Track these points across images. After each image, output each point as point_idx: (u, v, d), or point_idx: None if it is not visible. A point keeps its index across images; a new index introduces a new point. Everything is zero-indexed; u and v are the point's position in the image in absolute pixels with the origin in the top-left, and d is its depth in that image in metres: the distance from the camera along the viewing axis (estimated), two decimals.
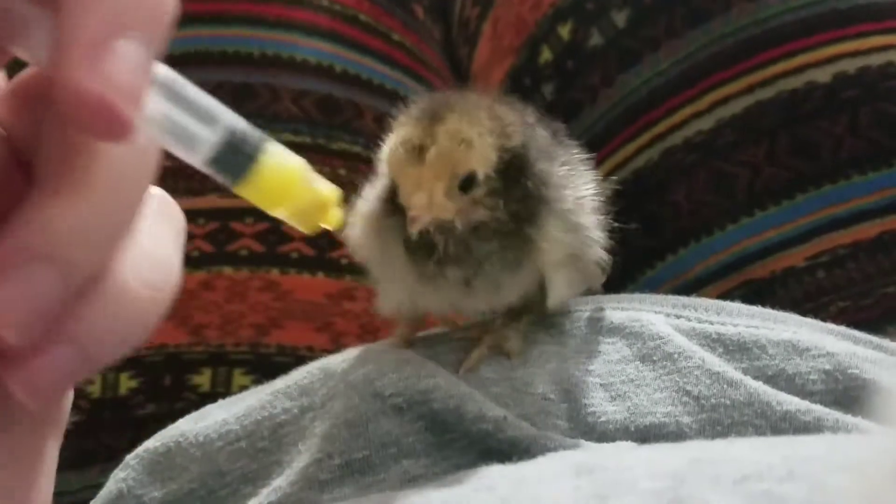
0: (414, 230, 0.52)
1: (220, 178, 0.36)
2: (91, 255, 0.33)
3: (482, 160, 0.53)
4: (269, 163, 0.37)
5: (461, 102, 0.54)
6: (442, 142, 0.52)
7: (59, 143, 0.33)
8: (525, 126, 0.55)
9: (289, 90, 0.88)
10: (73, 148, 0.33)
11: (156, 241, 0.36)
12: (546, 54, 0.87)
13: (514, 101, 0.58)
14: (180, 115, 0.35)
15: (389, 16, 0.95)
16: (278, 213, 0.38)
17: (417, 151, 0.52)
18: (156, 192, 0.38)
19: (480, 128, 0.53)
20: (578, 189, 0.56)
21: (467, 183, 0.53)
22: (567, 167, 0.56)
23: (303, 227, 0.39)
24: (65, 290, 0.32)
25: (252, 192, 0.37)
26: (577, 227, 0.55)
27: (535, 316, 0.59)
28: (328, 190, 0.39)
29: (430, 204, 0.52)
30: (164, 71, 0.35)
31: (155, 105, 0.34)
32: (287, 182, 0.37)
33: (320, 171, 0.89)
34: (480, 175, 0.53)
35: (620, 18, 0.83)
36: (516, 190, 0.54)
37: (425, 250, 0.54)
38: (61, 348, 0.33)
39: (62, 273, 0.32)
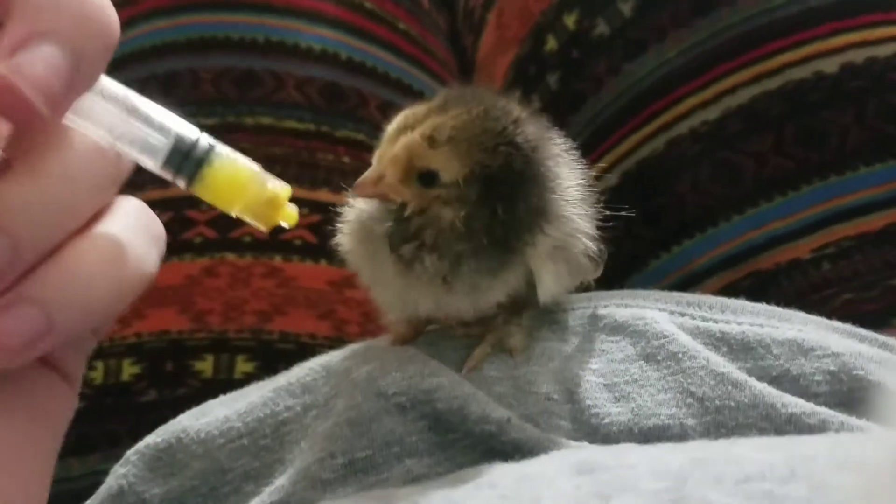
0: (351, 194, 0.54)
1: (177, 182, 0.42)
2: (40, 231, 0.38)
3: (446, 165, 0.52)
4: (219, 165, 0.42)
5: (475, 103, 0.54)
6: (417, 131, 0.53)
7: (21, 141, 0.39)
8: (535, 145, 0.54)
9: (293, 77, 0.88)
10: (32, 144, 0.38)
11: (127, 232, 0.40)
12: (551, 44, 0.86)
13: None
14: (135, 125, 0.41)
15: (395, 4, 0.94)
16: (234, 211, 0.43)
17: (405, 131, 0.53)
18: (136, 202, 0.42)
19: (464, 134, 0.52)
20: (563, 181, 0.55)
21: (427, 179, 0.53)
22: (551, 160, 0.55)
23: (260, 225, 0.43)
24: (14, 259, 0.37)
25: (206, 192, 0.42)
26: (561, 219, 0.55)
27: (536, 310, 0.59)
28: (280, 188, 0.43)
29: (377, 180, 0.53)
30: (116, 87, 0.41)
31: (111, 117, 0.40)
32: (238, 182, 0.42)
33: (324, 159, 0.89)
34: (444, 177, 0.53)
35: (626, 8, 0.82)
36: (489, 211, 0.53)
37: (406, 240, 0.54)
38: (25, 308, 0.37)
39: (12, 243, 0.37)
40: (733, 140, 0.78)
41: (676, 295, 0.61)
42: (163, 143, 0.41)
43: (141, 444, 0.58)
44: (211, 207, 0.82)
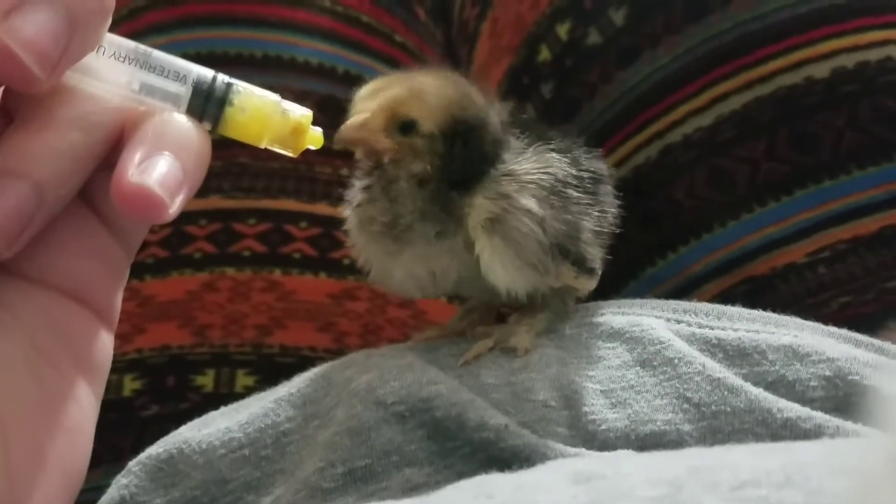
0: (336, 139, 0.55)
1: (205, 126, 0.44)
2: (60, 175, 0.40)
3: (426, 114, 0.56)
4: (239, 102, 0.44)
5: (444, 74, 0.58)
6: (397, 85, 0.56)
7: (25, 99, 0.41)
8: (488, 112, 0.58)
9: (291, 91, 0.88)
10: (43, 98, 0.41)
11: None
12: (545, 53, 0.87)
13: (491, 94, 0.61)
14: (154, 78, 0.43)
15: (391, 17, 0.95)
16: (263, 144, 0.45)
17: (377, 92, 0.56)
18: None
19: (440, 90, 0.56)
20: (515, 165, 0.57)
21: (407, 127, 0.56)
22: (519, 147, 0.58)
23: (289, 152, 0.46)
24: (40, 203, 0.39)
25: (233, 131, 0.44)
26: (499, 195, 0.56)
27: (553, 315, 0.60)
28: (302, 114, 0.45)
29: (360, 126, 0.55)
30: (128, 43, 0.43)
31: (129, 74, 0.43)
32: (262, 115, 0.44)
33: (322, 172, 0.90)
34: (422, 127, 0.56)
35: (618, 16, 0.83)
36: (457, 159, 0.56)
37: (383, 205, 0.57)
38: (12, 182, 0.39)
39: (36, 187, 0.39)
40: (727, 146, 0.78)
41: (672, 303, 0.61)
42: (183, 91, 0.44)
43: (143, 455, 0.59)
44: (210, 222, 0.83)
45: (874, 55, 0.76)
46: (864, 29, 0.76)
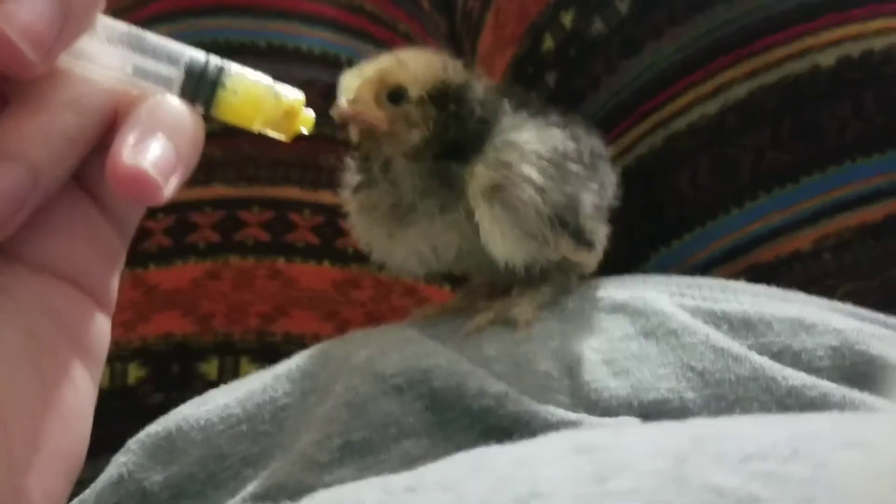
0: (335, 114, 0.56)
1: (197, 109, 0.43)
2: (55, 157, 0.40)
3: (413, 80, 0.57)
4: (232, 85, 0.43)
5: (423, 47, 0.61)
6: (382, 58, 0.57)
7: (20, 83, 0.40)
8: (469, 76, 0.59)
9: (295, 80, 0.88)
10: (37, 81, 0.40)
11: None
12: (548, 43, 0.87)
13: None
14: (147, 61, 0.43)
15: (395, 6, 0.95)
16: (255, 127, 0.44)
17: (363, 71, 0.57)
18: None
19: (422, 58, 0.58)
20: (515, 134, 0.57)
21: (396, 95, 0.57)
22: (519, 119, 0.58)
23: (282, 136, 0.45)
24: (35, 184, 0.39)
25: (225, 114, 0.44)
26: (500, 163, 0.56)
27: (556, 288, 0.60)
28: (294, 97, 0.44)
29: (354, 101, 0.56)
30: (122, 26, 0.42)
31: (122, 57, 0.42)
32: (254, 98, 0.44)
33: (326, 161, 0.90)
34: (411, 93, 0.56)
35: (623, 6, 0.83)
36: (450, 123, 0.57)
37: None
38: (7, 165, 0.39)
39: (30, 169, 0.39)
40: (731, 134, 0.78)
41: (676, 278, 0.61)
42: (176, 74, 0.43)
43: (141, 434, 0.59)
44: (214, 210, 0.83)
45: (879, 44, 0.75)
46: (869, 18, 0.76)
